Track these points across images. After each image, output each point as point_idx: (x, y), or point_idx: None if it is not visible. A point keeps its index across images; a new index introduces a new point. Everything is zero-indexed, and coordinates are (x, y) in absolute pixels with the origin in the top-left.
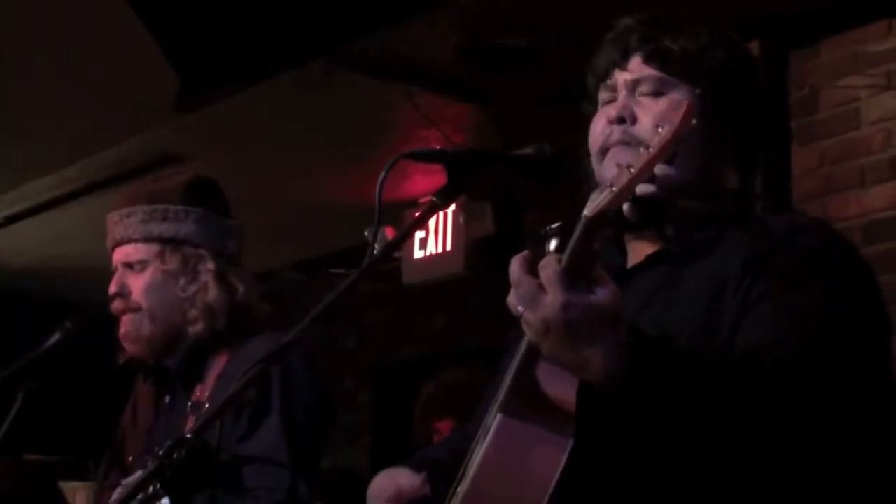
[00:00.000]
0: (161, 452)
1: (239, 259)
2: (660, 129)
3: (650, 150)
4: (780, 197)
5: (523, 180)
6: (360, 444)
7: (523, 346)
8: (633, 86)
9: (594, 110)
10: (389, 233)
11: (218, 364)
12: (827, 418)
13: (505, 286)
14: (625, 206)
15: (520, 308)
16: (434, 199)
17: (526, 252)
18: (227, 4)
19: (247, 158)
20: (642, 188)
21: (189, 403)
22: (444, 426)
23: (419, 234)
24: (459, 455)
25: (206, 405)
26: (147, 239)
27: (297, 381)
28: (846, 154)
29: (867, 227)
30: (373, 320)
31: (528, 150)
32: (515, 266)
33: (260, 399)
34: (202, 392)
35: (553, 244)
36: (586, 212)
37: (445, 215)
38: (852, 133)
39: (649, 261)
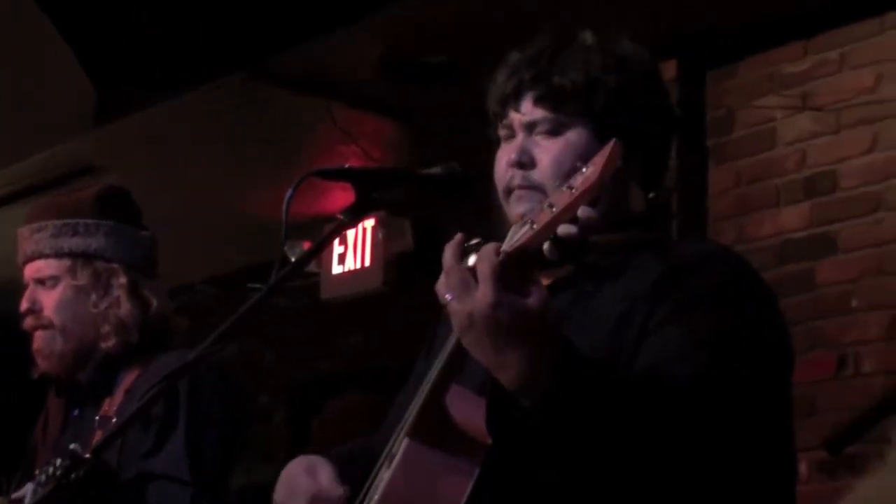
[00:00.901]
0: (58, 473)
1: (153, 271)
2: (584, 170)
3: (573, 191)
4: (696, 216)
5: (434, 199)
6: (276, 460)
7: (434, 371)
8: (529, 127)
9: (498, 139)
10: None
11: (128, 378)
12: (717, 443)
13: (423, 303)
14: (545, 245)
15: (448, 296)
16: (342, 217)
17: (460, 236)
18: (147, 16)
19: (165, 171)
20: (564, 229)
21: (97, 417)
22: None
23: (338, 250)
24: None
25: (114, 419)
26: (58, 254)
27: (205, 397)
28: (761, 174)
29: (782, 247)
30: (290, 336)
31: (437, 170)
32: (449, 253)
33: (167, 415)
34: (110, 406)
35: (472, 260)
36: (505, 246)
37: (364, 231)
38: (767, 153)
39: (556, 285)
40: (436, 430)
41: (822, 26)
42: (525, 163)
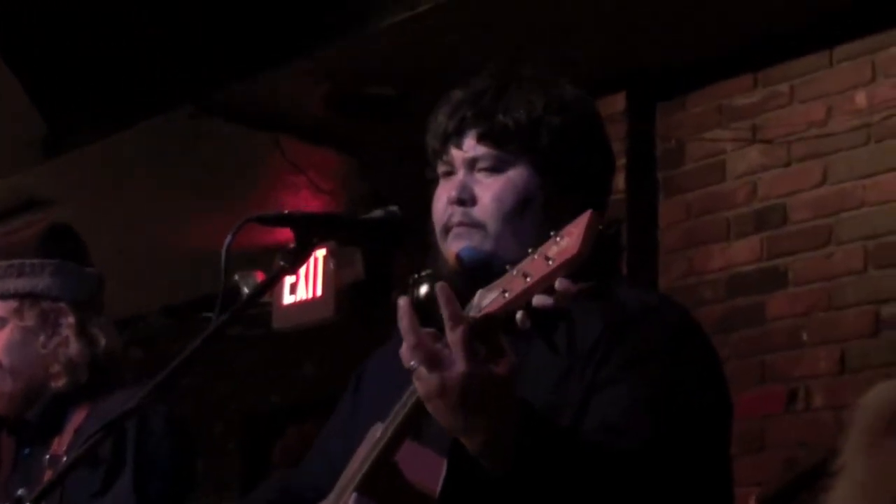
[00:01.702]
0: None
1: (100, 307)
2: (558, 240)
3: (550, 262)
4: (646, 249)
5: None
6: (229, 492)
7: (389, 430)
8: (471, 163)
9: (435, 177)
10: (260, 277)
11: (77, 417)
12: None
13: (375, 333)
14: (518, 315)
15: (413, 363)
16: (282, 263)
17: (407, 299)
18: (95, 50)
19: (115, 203)
20: (540, 300)
21: (47, 457)
22: None
23: (290, 280)
24: None
25: (64, 458)
26: (3, 296)
27: (154, 438)
28: (711, 207)
29: (730, 281)
30: (242, 366)
31: (377, 214)
32: (407, 319)
33: (114, 456)
34: (60, 445)
35: (423, 290)
36: (473, 312)
37: (315, 261)
38: (717, 186)
39: None
40: (386, 486)
41: (771, 59)
42: (465, 199)
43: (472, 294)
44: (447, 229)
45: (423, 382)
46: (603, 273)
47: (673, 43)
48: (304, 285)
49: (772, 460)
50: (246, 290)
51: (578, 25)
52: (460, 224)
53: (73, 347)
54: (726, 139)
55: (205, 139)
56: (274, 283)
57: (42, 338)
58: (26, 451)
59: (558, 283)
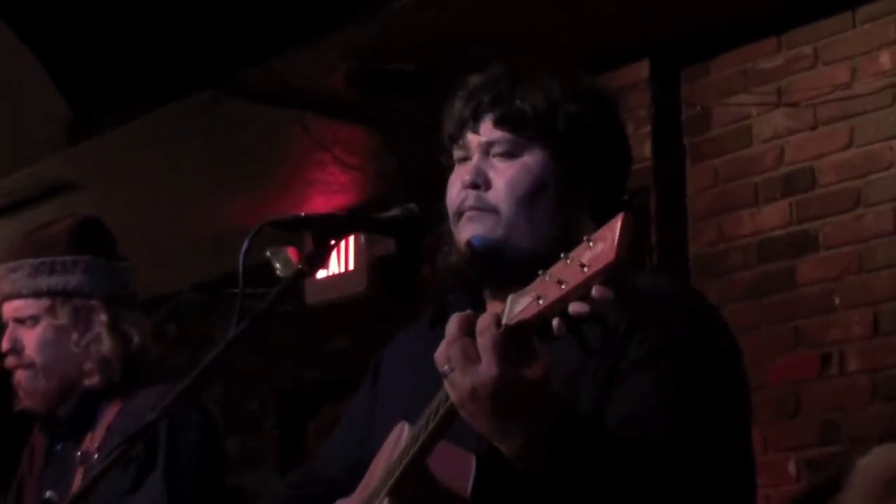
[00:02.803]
0: None
1: (131, 301)
2: (591, 244)
3: (585, 269)
4: (674, 217)
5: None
6: (266, 468)
7: (422, 435)
8: (486, 147)
9: (451, 164)
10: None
11: (109, 414)
12: (686, 495)
13: (406, 306)
14: (554, 322)
15: (446, 368)
16: (301, 267)
17: (469, 312)
18: (118, 38)
19: (142, 185)
20: (577, 307)
21: (78, 453)
22: None
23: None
24: None
25: (95, 455)
26: (36, 294)
27: (184, 438)
28: (739, 172)
29: (761, 246)
30: (277, 341)
31: (395, 212)
32: (454, 324)
33: (146, 455)
34: (92, 442)
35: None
36: (506, 318)
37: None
38: (744, 151)
39: None
40: (418, 491)
41: (794, 22)
42: (479, 183)
43: (484, 280)
44: (460, 213)
45: (455, 387)
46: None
47: (695, 8)
48: (335, 260)
49: (807, 425)
50: (278, 266)
51: None
52: (473, 208)
53: (106, 344)
54: (752, 103)
55: (229, 120)
56: (292, 287)
57: (75, 335)
58: (58, 446)
59: (595, 291)
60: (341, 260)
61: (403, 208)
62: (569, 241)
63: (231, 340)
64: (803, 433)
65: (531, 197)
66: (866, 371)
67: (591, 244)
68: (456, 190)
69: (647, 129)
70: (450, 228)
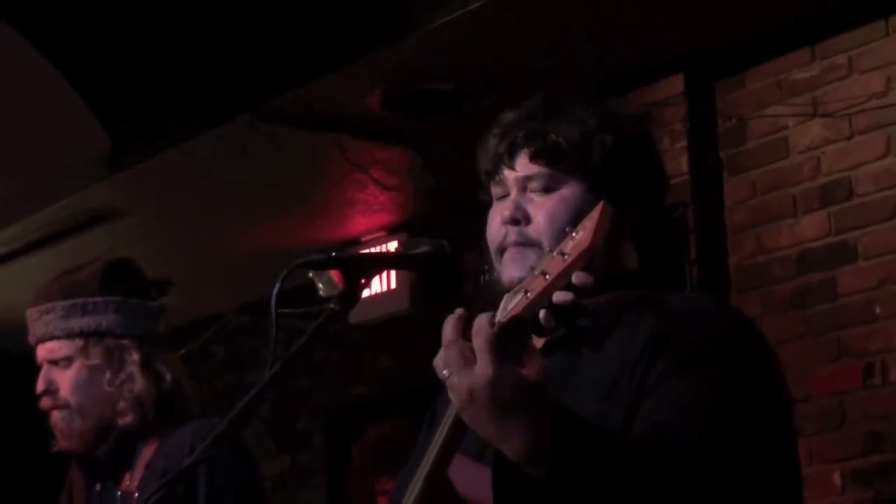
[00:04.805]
0: None
1: (163, 341)
2: (574, 235)
3: (565, 257)
4: (713, 230)
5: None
6: (316, 486)
7: (436, 446)
8: (524, 182)
9: (489, 200)
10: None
11: (147, 452)
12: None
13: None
14: (541, 314)
15: (445, 372)
16: (332, 306)
17: (461, 311)
18: (155, 67)
19: (182, 211)
20: (560, 296)
21: (119, 493)
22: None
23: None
24: None
25: (136, 494)
26: (69, 335)
27: (221, 478)
28: (776, 184)
29: (800, 257)
30: (323, 360)
31: (425, 249)
32: (449, 327)
33: (186, 495)
34: (131, 481)
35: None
36: (499, 317)
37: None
38: (781, 162)
39: (546, 348)
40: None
41: (828, 32)
42: (519, 219)
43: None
44: (502, 250)
45: (454, 391)
46: (656, 282)
47: (728, 21)
48: (377, 278)
49: (852, 436)
50: (321, 287)
51: (633, 10)
52: (515, 244)
53: (139, 383)
54: (787, 115)
55: (267, 144)
56: (324, 328)
57: (108, 375)
58: (97, 487)
59: (575, 277)
60: (383, 279)
61: (433, 244)
62: (612, 266)
63: (265, 383)
64: (848, 444)
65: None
66: None
67: (574, 235)
68: (496, 226)
69: (684, 143)
70: (490, 263)
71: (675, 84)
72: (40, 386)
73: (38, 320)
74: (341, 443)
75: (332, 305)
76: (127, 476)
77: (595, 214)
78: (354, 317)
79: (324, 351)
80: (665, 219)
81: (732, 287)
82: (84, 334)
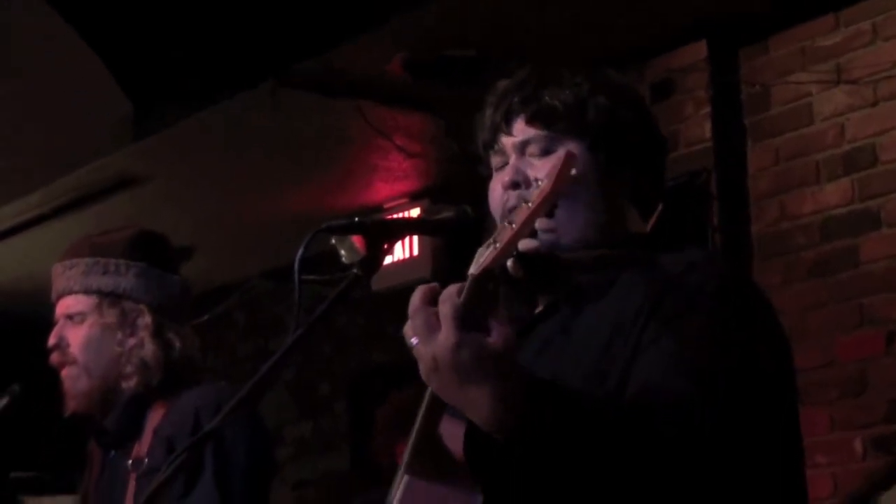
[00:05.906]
0: None
1: (182, 314)
2: (539, 182)
3: (529, 204)
4: (736, 197)
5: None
6: (340, 450)
7: (422, 408)
8: (522, 147)
9: (489, 174)
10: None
11: (154, 418)
12: (718, 460)
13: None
14: (508, 263)
15: (413, 340)
16: (355, 272)
17: (434, 284)
18: (177, 34)
19: (206, 176)
20: (525, 244)
21: (129, 461)
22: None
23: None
24: None
25: (146, 460)
26: (87, 291)
27: (231, 444)
28: (800, 151)
29: (823, 224)
30: (346, 326)
31: (448, 214)
32: (417, 296)
33: (194, 461)
34: (140, 448)
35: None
36: (472, 270)
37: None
38: (805, 129)
39: (548, 309)
40: (433, 462)
41: None
42: (520, 182)
43: (535, 282)
44: (505, 216)
45: (420, 359)
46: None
47: None
48: (400, 245)
49: (874, 403)
50: (343, 254)
51: None
52: (517, 207)
53: (148, 349)
54: (811, 81)
55: (290, 110)
56: (346, 294)
57: (119, 336)
58: (111, 453)
59: (538, 223)
60: (405, 245)
61: (457, 210)
62: (614, 226)
63: (287, 348)
64: (870, 411)
65: (572, 188)
66: None
67: (539, 183)
68: (498, 193)
69: (707, 109)
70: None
71: (699, 50)
72: (52, 340)
73: (62, 275)
74: (363, 408)
75: (354, 271)
76: (137, 443)
77: (557, 162)
78: (377, 283)
79: (346, 317)
80: (665, 177)
81: (755, 254)
82: (101, 293)
